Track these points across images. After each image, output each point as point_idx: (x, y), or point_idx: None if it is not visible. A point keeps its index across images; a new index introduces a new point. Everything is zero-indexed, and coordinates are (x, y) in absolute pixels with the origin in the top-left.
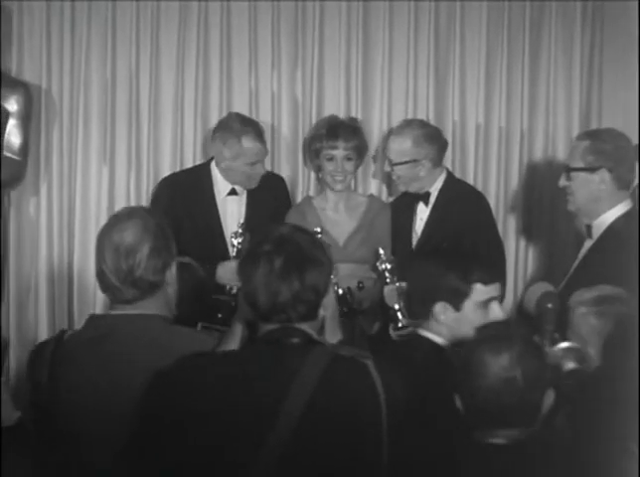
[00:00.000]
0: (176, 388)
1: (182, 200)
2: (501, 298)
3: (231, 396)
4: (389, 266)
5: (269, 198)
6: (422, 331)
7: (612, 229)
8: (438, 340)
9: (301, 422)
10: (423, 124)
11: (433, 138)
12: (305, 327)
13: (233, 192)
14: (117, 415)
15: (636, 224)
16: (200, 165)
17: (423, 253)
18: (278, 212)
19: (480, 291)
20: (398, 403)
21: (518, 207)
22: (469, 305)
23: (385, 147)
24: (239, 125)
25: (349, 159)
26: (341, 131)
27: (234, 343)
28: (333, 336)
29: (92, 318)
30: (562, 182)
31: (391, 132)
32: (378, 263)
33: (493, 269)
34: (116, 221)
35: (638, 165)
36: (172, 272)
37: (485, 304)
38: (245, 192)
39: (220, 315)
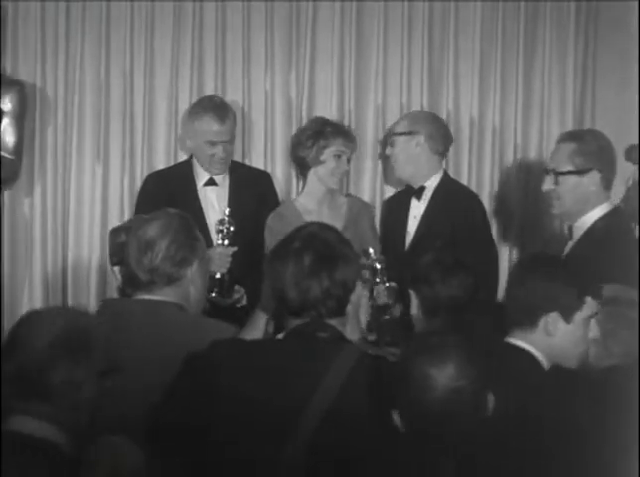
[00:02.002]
0: (208, 371)
1: (166, 192)
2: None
3: (261, 385)
4: (378, 266)
5: (253, 191)
6: (520, 342)
7: (593, 229)
8: (537, 354)
9: (328, 417)
10: (431, 112)
11: (434, 120)
12: (335, 323)
13: (212, 182)
14: (127, 393)
15: (617, 223)
16: (182, 161)
17: (538, 259)
18: (263, 206)
19: (590, 305)
20: None
21: (511, 206)
22: (579, 319)
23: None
24: (198, 106)
25: (349, 160)
26: (350, 133)
27: (257, 332)
28: (353, 333)
29: (106, 303)
30: (547, 186)
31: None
32: (368, 263)
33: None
34: (145, 218)
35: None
36: (193, 270)
37: (588, 321)
38: (227, 183)
39: None
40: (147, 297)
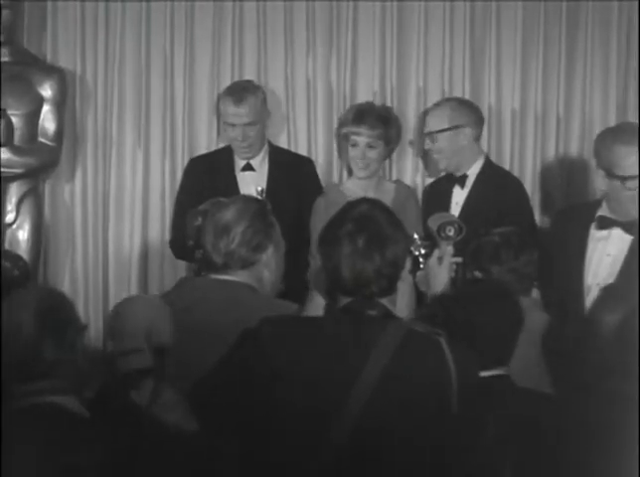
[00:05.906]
0: (261, 344)
1: (206, 176)
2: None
3: (309, 362)
4: (423, 252)
5: (293, 177)
6: None
7: None
8: None
9: (375, 393)
10: (459, 98)
11: (471, 106)
12: (384, 301)
13: (249, 167)
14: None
15: None
16: (224, 146)
17: None
18: (303, 192)
19: None
20: (469, 380)
21: (554, 200)
22: None
23: (423, 126)
24: (226, 89)
25: (371, 147)
26: (367, 118)
27: (317, 310)
28: (408, 307)
29: (182, 280)
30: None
31: (427, 111)
32: (412, 248)
33: None
34: (223, 203)
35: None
36: (268, 255)
37: None
38: (267, 169)
39: None
40: (219, 277)
